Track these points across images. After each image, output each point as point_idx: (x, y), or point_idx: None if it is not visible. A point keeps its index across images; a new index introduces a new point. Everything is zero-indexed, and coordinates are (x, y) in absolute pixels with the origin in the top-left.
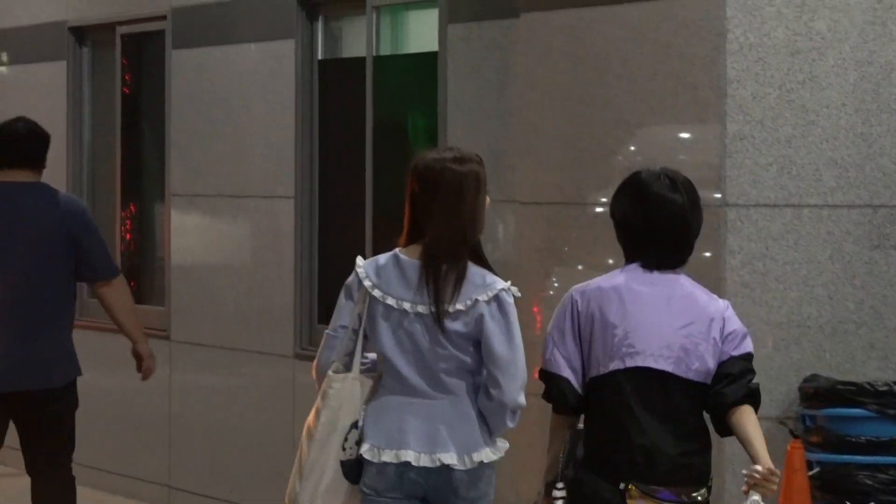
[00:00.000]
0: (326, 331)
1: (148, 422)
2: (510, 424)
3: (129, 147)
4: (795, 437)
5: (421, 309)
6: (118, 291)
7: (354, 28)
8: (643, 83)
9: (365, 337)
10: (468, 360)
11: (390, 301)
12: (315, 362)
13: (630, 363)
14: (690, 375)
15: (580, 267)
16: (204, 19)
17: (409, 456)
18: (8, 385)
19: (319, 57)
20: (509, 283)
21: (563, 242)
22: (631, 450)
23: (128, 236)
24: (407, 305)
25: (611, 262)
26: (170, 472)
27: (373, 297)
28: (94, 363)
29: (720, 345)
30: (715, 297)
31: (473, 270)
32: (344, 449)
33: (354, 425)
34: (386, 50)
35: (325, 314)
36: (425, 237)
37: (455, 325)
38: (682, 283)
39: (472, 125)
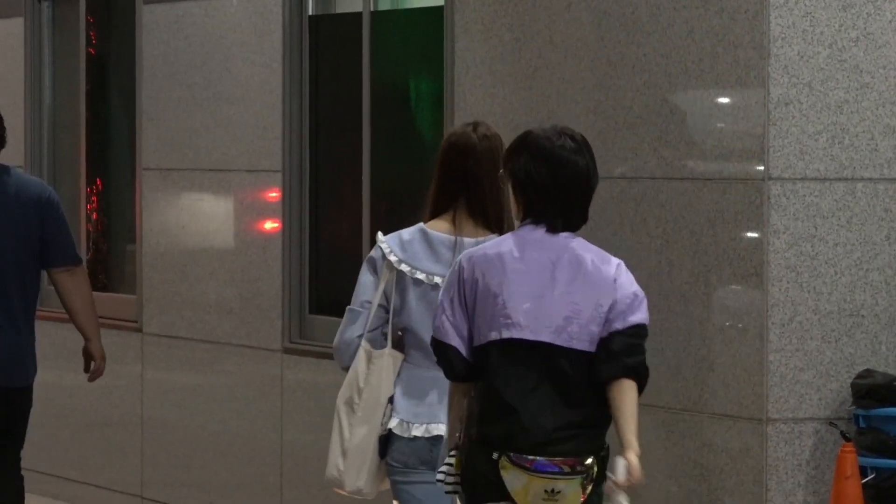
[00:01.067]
0: (349, 307)
1: (118, 425)
2: None
3: (95, 115)
4: (847, 439)
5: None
6: (79, 281)
7: None
8: (677, 42)
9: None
10: None
11: (420, 276)
12: (337, 339)
13: (506, 334)
14: (573, 345)
15: (605, 248)
16: None
17: (440, 430)
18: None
19: (310, 12)
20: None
21: (589, 220)
22: (505, 421)
23: (94, 215)
24: (438, 280)
25: (640, 242)
26: (142, 481)
27: (400, 272)
28: (56, 359)
29: (607, 313)
30: (608, 258)
31: None
32: (381, 425)
33: (390, 400)
34: (385, 4)
35: (318, 303)
36: (454, 211)
37: None
38: (572, 247)
39: (484, 90)
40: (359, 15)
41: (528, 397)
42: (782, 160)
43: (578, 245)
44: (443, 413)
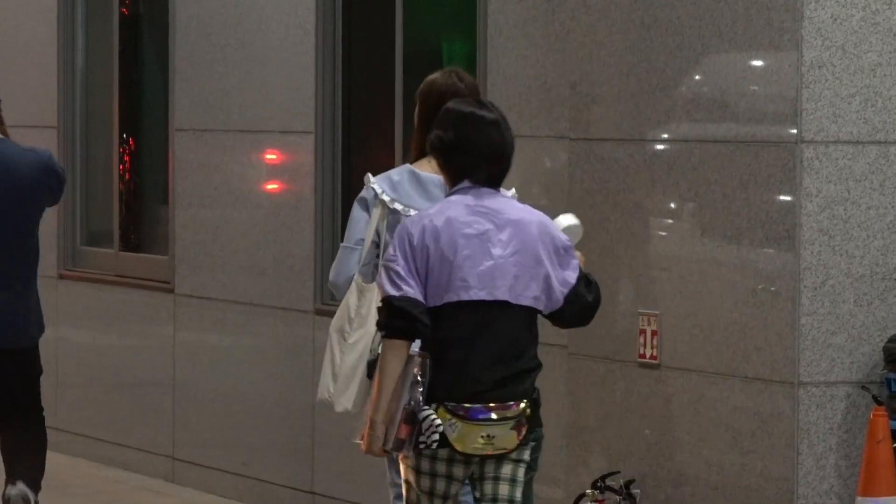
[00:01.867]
0: (343, 244)
1: (149, 385)
2: None
3: (127, 75)
4: (879, 403)
5: None
6: None
7: None
8: (710, 4)
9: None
10: None
11: (412, 213)
12: (334, 275)
13: (464, 296)
14: (521, 301)
15: (637, 211)
16: None
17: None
18: (9, 341)
19: None
20: (513, 190)
21: (618, 184)
22: (448, 374)
23: (126, 176)
24: None
25: (672, 205)
26: (174, 442)
27: (393, 210)
28: (86, 319)
29: (551, 268)
30: (534, 212)
31: None
32: (371, 350)
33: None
34: None
35: None
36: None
37: None
38: (510, 208)
39: (517, 52)
40: None
41: (470, 352)
42: (815, 123)
43: (512, 204)
44: None
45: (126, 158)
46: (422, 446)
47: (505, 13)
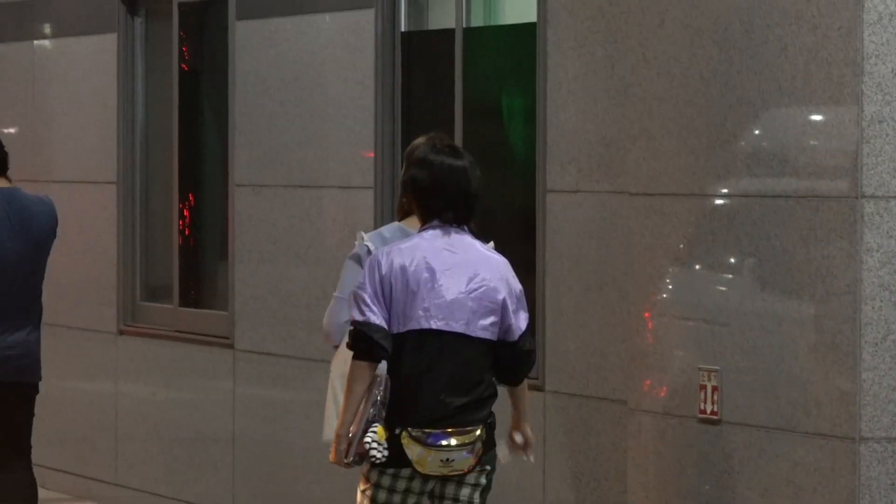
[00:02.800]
0: (336, 295)
1: (209, 440)
2: None
3: (187, 131)
4: None
5: None
6: None
7: None
8: (769, 58)
9: None
10: None
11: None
12: (327, 322)
13: (425, 325)
14: (479, 334)
15: (697, 266)
16: None
17: None
18: (15, 375)
19: (403, 29)
20: (491, 244)
21: (678, 239)
22: (408, 400)
23: (186, 231)
24: None
25: (732, 260)
26: (234, 497)
27: None
28: (145, 374)
29: (502, 308)
30: (496, 255)
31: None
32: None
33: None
34: (478, 21)
35: None
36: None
37: None
38: (475, 248)
39: (576, 106)
40: (451, 31)
41: (433, 379)
42: (875, 178)
43: (476, 245)
44: None
45: (185, 213)
46: (373, 461)
47: (564, 67)
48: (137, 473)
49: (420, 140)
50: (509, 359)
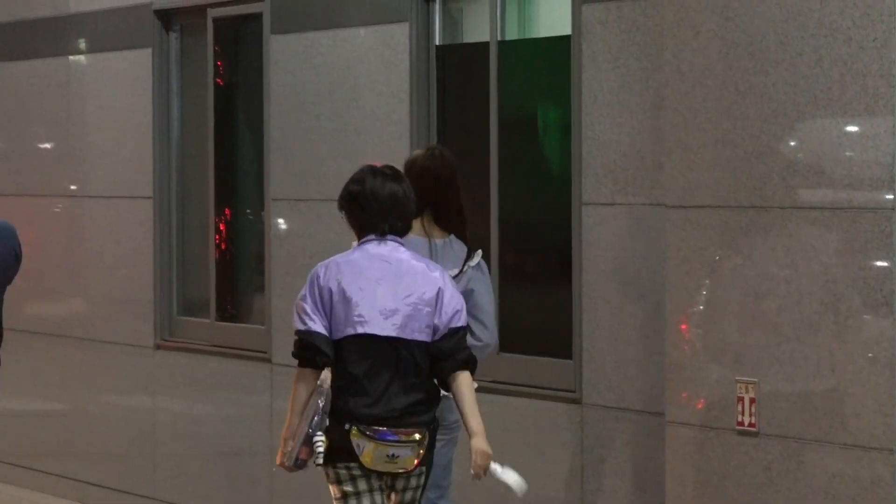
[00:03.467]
0: None
1: (246, 455)
2: (483, 358)
3: (222, 145)
4: None
5: None
6: None
7: (477, 9)
8: (805, 70)
9: None
10: None
11: None
12: None
13: (360, 330)
14: (414, 336)
15: (734, 277)
16: (307, 1)
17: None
18: None
19: (437, 42)
20: (480, 252)
21: (714, 251)
22: (357, 399)
23: (222, 245)
24: None
25: (769, 272)
26: None
27: None
28: (183, 389)
29: (439, 311)
30: (432, 265)
31: (458, 243)
32: None
33: None
34: (512, 34)
35: None
36: (422, 219)
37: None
38: (407, 259)
39: (611, 119)
40: (486, 45)
41: (375, 380)
42: None
43: (408, 255)
44: None
45: (222, 228)
46: (316, 464)
47: (600, 80)
48: (175, 488)
49: (418, 152)
50: (434, 356)
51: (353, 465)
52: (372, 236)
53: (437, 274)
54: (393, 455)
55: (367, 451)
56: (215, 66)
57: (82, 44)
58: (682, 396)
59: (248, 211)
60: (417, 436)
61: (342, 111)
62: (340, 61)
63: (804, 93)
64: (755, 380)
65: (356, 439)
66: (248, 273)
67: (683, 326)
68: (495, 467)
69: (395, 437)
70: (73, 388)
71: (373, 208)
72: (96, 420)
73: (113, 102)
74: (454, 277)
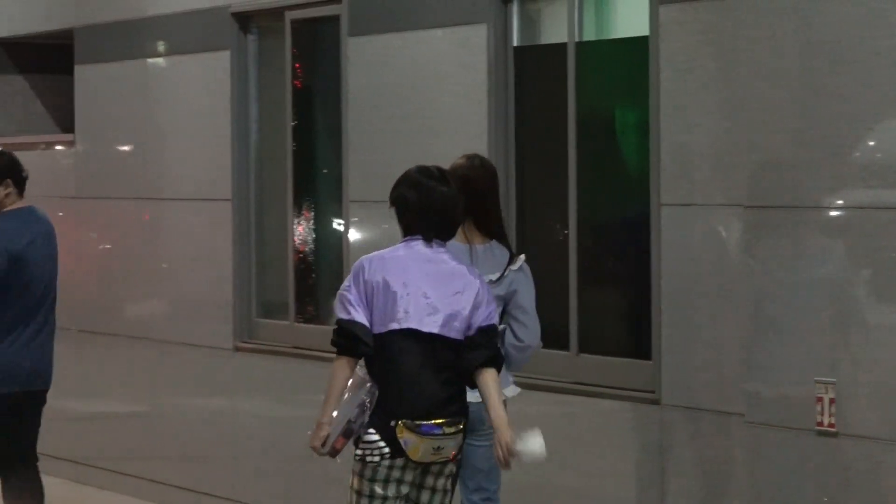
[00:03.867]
0: None
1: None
2: (527, 361)
3: (300, 147)
4: None
5: None
6: None
7: (554, 10)
8: (881, 71)
9: None
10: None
11: None
12: None
13: (405, 325)
14: (453, 335)
15: (813, 277)
16: (385, 2)
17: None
18: (45, 383)
19: (515, 43)
20: (523, 256)
21: (793, 251)
22: (401, 395)
23: (301, 247)
24: None
25: (847, 272)
26: None
27: None
28: (262, 391)
29: (476, 312)
30: (472, 269)
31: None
32: None
33: None
34: (590, 35)
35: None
36: (463, 225)
37: (496, 290)
38: (449, 260)
39: (689, 120)
40: (563, 45)
41: (417, 375)
42: None
43: (451, 258)
44: None
45: (300, 229)
46: (368, 461)
47: (677, 81)
48: (255, 489)
49: (460, 161)
50: (464, 347)
51: (397, 461)
52: (419, 237)
53: (475, 277)
54: (439, 448)
55: (414, 446)
56: (293, 68)
57: (161, 46)
58: (761, 397)
59: (327, 212)
60: (458, 427)
61: (420, 113)
62: (418, 63)
63: (880, 93)
64: (834, 380)
65: (402, 436)
66: (326, 275)
67: (762, 327)
68: (521, 449)
69: (440, 430)
70: (153, 390)
71: (423, 214)
72: (176, 422)
73: (191, 105)
74: (496, 280)
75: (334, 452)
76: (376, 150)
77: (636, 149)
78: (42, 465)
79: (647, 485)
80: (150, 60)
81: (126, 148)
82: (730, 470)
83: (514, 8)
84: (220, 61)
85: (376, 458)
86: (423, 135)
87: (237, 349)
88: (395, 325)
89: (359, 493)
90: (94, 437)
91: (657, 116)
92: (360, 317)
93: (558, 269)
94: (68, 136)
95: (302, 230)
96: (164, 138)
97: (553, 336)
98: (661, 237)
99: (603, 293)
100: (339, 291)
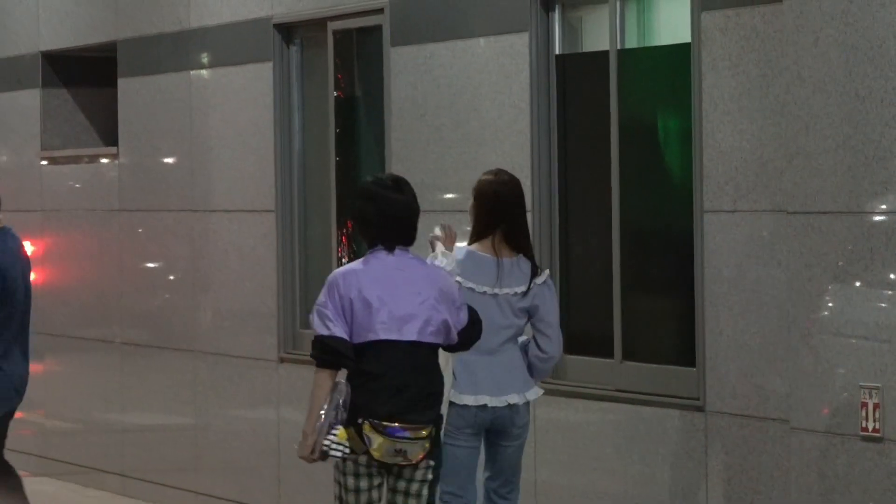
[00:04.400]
0: None
1: None
2: (549, 372)
3: (344, 157)
4: None
5: (493, 290)
6: None
7: (596, 18)
8: None
9: None
10: (520, 327)
11: (471, 285)
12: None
13: (383, 336)
14: (430, 340)
15: (857, 283)
16: (427, 12)
17: (485, 399)
18: (21, 396)
19: (557, 52)
20: (548, 270)
21: (837, 256)
22: (375, 398)
23: (345, 259)
24: (485, 289)
25: (892, 276)
26: None
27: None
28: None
29: (451, 313)
30: (436, 267)
31: (525, 262)
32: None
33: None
34: (632, 42)
35: (569, 344)
36: (492, 238)
37: (521, 303)
38: (416, 264)
39: (732, 126)
40: (606, 53)
41: (391, 381)
42: None
43: (417, 261)
44: (486, 387)
45: (343, 240)
46: (331, 456)
47: (720, 87)
48: (300, 500)
49: (488, 176)
50: (461, 345)
51: (360, 457)
52: (381, 247)
53: (445, 279)
54: (400, 450)
55: (377, 444)
56: (336, 78)
57: (204, 58)
58: (806, 402)
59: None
60: (424, 432)
61: (463, 122)
62: (461, 72)
63: None
64: (879, 385)
65: (367, 433)
66: None
67: (806, 333)
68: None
69: (405, 434)
70: (199, 401)
71: (384, 225)
72: (222, 433)
73: (235, 116)
74: (522, 294)
75: (324, 456)
76: (419, 160)
77: (679, 155)
78: (87, 477)
79: (692, 492)
80: (192, 73)
81: (170, 160)
82: (775, 477)
83: (556, 16)
84: (264, 72)
85: (338, 454)
86: (466, 144)
87: (282, 360)
88: (372, 336)
89: (338, 484)
90: (139, 449)
91: (700, 123)
92: (339, 331)
93: (602, 276)
94: (112, 150)
95: (346, 241)
96: (207, 150)
97: (597, 343)
98: (705, 243)
99: (646, 300)
100: (316, 307)
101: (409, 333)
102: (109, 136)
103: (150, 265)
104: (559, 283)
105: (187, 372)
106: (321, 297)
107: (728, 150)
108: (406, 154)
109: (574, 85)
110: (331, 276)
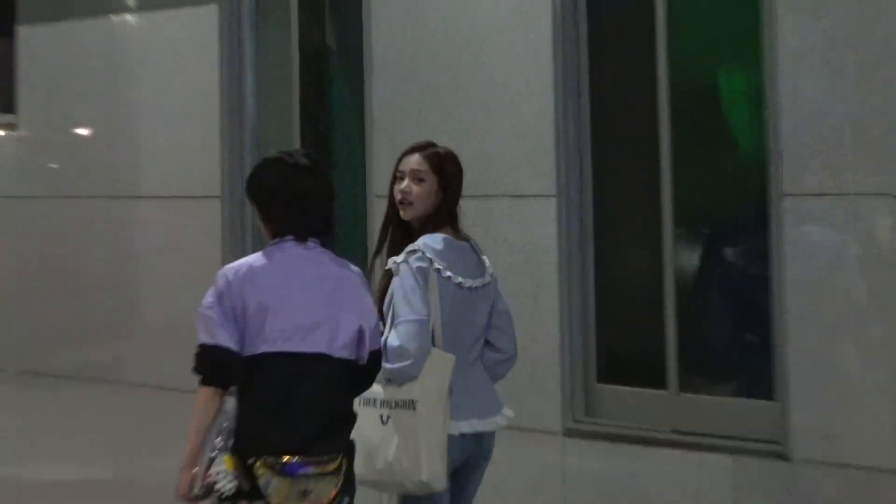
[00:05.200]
0: (417, 318)
1: None
2: (504, 375)
3: (311, 129)
4: None
5: (476, 283)
6: None
7: None
8: None
9: None
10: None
11: (459, 280)
12: (416, 349)
13: (283, 347)
14: (340, 354)
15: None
16: None
17: (476, 424)
18: None
19: None
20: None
21: None
22: (268, 427)
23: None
24: (469, 282)
25: None
26: None
27: (443, 278)
28: None
29: (365, 327)
30: (353, 268)
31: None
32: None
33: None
34: None
35: (607, 367)
36: (455, 219)
37: (490, 295)
38: (328, 262)
39: (817, 84)
40: None
41: (290, 403)
42: None
43: (330, 259)
44: (479, 407)
45: None
46: (219, 490)
47: (800, 35)
48: None
49: (444, 148)
50: (358, 376)
51: (257, 502)
52: (290, 237)
53: (361, 284)
54: (306, 491)
55: (276, 489)
56: (300, 25)
57: (129, 1)
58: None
59: (345, 209)
60: (332, 465)
61: (466, 82)
62: (463, 18)
63: None
64: None
65: (263, 476)
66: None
67: None
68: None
69: (308, 470)
70: (121, 449)
71: (293, 207)
72: (152, 491)
73: (170, 76)
74: (484, 287)
75: (208, 492)
76: (409, 130)
77: (748, 123)
78: None
79: None
80: (115, 18)
81: (85, 132)
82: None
83: None
84: (207, 18)
85: (230, 487)
86: (471, 110)
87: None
88: (267, 347)
89: None
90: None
91: (774, 81)
92: (226, 340)
93: (650, 282)
94: (9, 118)
95: None
96: (134, 119)
97: (644, 370)
98: (784, 237)
99: (708, 313)
100: (200, 310)
101: (315, 345)
102: (4, 100)
103: (59, 268)
104: (591, 290)
105: (107, 410)
106: (207, 298)
107: (813, 116)
108: (392, 122)
109: (610, 34)
110: (220, 272)
